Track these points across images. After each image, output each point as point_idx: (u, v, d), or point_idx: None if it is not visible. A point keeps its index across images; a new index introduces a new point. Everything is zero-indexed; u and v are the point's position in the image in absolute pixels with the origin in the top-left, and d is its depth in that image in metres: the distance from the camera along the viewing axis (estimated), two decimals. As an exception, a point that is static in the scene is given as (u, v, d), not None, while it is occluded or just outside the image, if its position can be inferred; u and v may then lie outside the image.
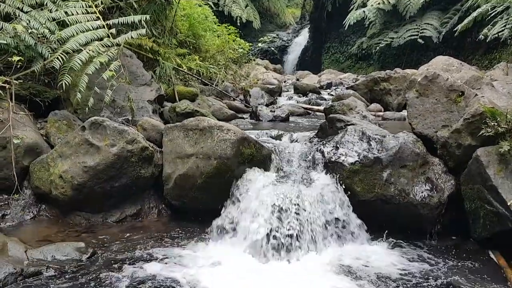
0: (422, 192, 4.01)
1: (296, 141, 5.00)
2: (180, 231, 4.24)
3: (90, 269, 3.42)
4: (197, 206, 4.34)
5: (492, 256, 3.76)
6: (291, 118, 7.41)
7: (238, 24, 12.85)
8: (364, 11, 16.26)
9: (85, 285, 3.17)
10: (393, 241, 3.99)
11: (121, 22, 5.33)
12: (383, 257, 3.73)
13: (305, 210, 3.83)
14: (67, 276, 3.29)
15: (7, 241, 3.54)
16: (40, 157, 4.47)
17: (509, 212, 3.45)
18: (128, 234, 4.13)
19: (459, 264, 3.66)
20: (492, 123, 3.71)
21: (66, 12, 5.11)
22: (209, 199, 4.22)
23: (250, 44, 11.52)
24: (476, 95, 4.07)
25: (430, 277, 3.39)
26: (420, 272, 3.49)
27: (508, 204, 3.44)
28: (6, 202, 4.35)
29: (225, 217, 4.01)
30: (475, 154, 3.76)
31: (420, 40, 14.28)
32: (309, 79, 14.55)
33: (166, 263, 3.55)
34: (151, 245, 3.90)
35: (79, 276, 3.30)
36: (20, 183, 4.39)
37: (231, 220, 3.97)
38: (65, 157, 4.30)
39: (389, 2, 15.30)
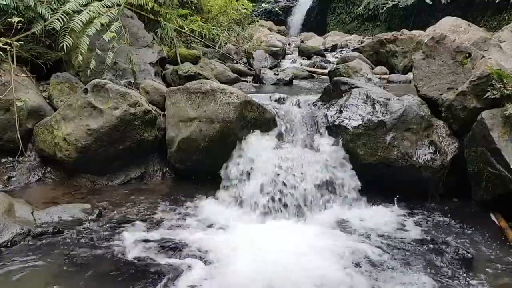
0: (425, 155, 4.01)
1: (300, 104, 4.96)
2: (184, 194, 4.28)
3: (96, 230, 3.48)
4: (201, 169, 4.37)
5: (493, 218, 3.79)
6: (295, 82, 7.33)
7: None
8: (371, -30, 15.81)
9: (91, 245, 3.24)
10: (395, 203, 4.02)
11: (121, -18, 5.21)
12: (384, 219, 3.77)
13: (306, 173, 3.85)
14: (73, 237, 3.36)
15: (14, 203, 3.60)
16: (44, 120, 4.48)
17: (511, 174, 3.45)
18: (133, 196, 4.18)
19: (461, 225, 3.70)
20: (498, 85, 3.65)
21: (65, -29, 4.99)
22: (213, 162, 4.23)
23: (254, 4, 11.26)
24: (483, 56, 4.00)
25: (431, 238, 3.44)
26: (421, 233, 3.54)
27: (511, 166, 3.44)
28: (12, 165, 4.40)
29: (229, 179, 4.04)
30: (480, 116, 3.72)
31: (428, 1, 13.91)
32: (314, 41, 14.29)
33: (170, 224, 3.61)
34: (156, 207, 3.96)
35: (86, 236, 3.37)
36: (24, 145, 4.42)
37: (234, 182, 4.00)
38: (69, 119, 4.30)
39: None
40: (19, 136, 4.32)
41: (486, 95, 3.73)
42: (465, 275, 2.95)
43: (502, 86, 3.64)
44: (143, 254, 3.13)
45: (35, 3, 4.64)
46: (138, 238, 3.35)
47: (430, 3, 13.84)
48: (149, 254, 3.13)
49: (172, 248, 3.22)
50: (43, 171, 4.48)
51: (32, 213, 3.60)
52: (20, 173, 4.38)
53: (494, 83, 3.69)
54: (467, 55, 4.10)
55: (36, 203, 3.86)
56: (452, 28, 7.25)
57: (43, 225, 3.47)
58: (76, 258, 3.06)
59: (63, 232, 3.41)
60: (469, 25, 7.59)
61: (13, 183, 4.28)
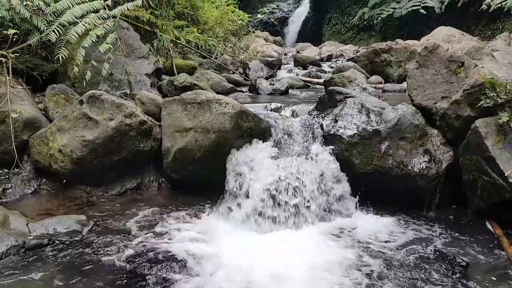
0: (420, 164, 4.02)
1: (295, 114, 4.98)
2: (180, 204, 4.28)
3: (91, 241, 3.47)
4: (197, 179, 4.36)
5: (488, 226, 3.80)
6: (290, 91, 7.37)
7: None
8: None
9: (87, 257, 3.22)
10: (390, 212, 4.03)
11: (117, -7, 5.25)
12: (380, 228, 3.77)
13: (303, 183, 3.86)
14: (68, 248, 3.34)
15: (9, 215, 3.58)
16: (39, 131, 4.48)
17: (506, 183, 3.46)
18: (128, 207, 4.17)
19: (456, 234, 3.70)
20: (491, 94, 3.68)
21: (61, -16, 5.02)
22: (208, 172, 4.24)
23: (250, 15, 11.36)
24: (476, 65, 4.03)
25: (427, 247, 3.44)
26: (417, 242, 3.54)
27: (506, 175, 3.45)
28: (7, 177, 4.38)
29: (224, 189, 4.04)
30: (474, 125, 3.74)
31: (422, 11, 14.06)
32: (310, 51, 14.40)
33: (166, 236, 3.60)
34: (152, 218, 3.95)
35: (81, 248, 3.35)
36: (20, 157, 4.41)
37: (230, 192, 4.00)
38: (64, 131, 4.30)
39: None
40: (14, 147, 4.31)
41: (479, 104, 3.75)
42: (461, 283, 2.95)
43: (495, 94, 3.67)
44: (139, 265, 3.11)
45: (31, 16, 4.66)
46: (133, 249, 3.34)
47: (425, 13, 13.97)
48: (145, 266, 3.11)
49: (168, 259, 3.21)
50: (38, 183, 4.47)
51: (27, 225, 3.58)
52: (15, 185, 4.36)
53: (487, 92, 3.72)
54: (460, 64, 4.13)
55: (31, 215, 3.85)
56: (446, 37, 7.32)
57: (38, 237, 3.45)
58: (71, 270, 3.04)
59: (58, 244, 3.39)
60: (462, 34, 7.66)
61: (8, 195, 4.26)
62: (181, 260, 3.19)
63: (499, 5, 10.06)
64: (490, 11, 10.57)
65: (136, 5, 5.29)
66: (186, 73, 6.56)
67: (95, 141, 4.20)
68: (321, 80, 8.06)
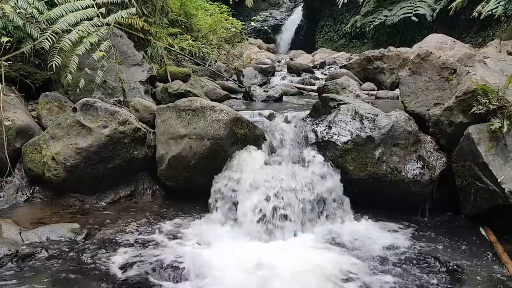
0: (414, 170, 4.04)
1: (289, 121, 4.99)
2: (174, 212, 4.26)
3: (84, 250, 3.44)
4: (191, 187, 4.35)
5: (482, 232, 3.82)
6: (284, 98, 7.38)
7: (230, 2, 12.61)
8: (357, -12, 16.09)
9: (80, 266, 3.19)
10: (384, 218, 4.04)
11: (110, 1, 5.24)
12: (374, 234, 3.78)
13: (297, 190, 3.86)
14: (62, 257, 3.32)
15: (1, 223, 3.56)
16: (32, 139, 4.45)
17: (499, 188, 3.49)
18: (122, 215, 4.14)
19: (450, 239, 3.72)
20: (484, 101, 3.72)
21: (54, -9, 5.02)
22: (203, 180, 4.23)
23: (243, 23, 11.37)
24: (468, 72, 4.06)
25: (421, 252, 3.46)
26: (410, 247, 3.55)
27: (499, 180, 3.48)
28: (0, 185, 4.35)
29: (219, 197, 4.03)
30: (467, 131, 3.77)
31: (414, 18, 14.17)
32: (303, 58, 14.44)
33: (160, 244, 3.58)
34: (146, 226, 3.93)
35: (74, 257, 3.32)
36: (12, 165, 4.38)
37: (225, 200, 3.99)
38: (57, 138, 4.28)
39: (383, -21, 15.15)
40: (7, 155, 4.29)
41: (472, 110, 3.79)
42: (455, 289, 2.96)
43: (488, 101, 3.71)
44: (133, 274, 3.10)
45: (24, 23, 4.65)
46: (127, 258, 3.32)
47: (416, 20, 14.09)
48: (138, 275, 3.09)
49: (162, 268, 3.19)
50: (31, 191, 4.43)
51: (20, 233, 3.55)
52: (8, 193, 4.32)
53: (479, 99, 3.75)
54: (452, 71, 4.17)
55: (24, 223, 3.81)
56: (437, 44, 7.36)
57: (31, 246, 3.41)
58: (64, 279, 3.02)
59: (51, 253, 3.36)
60: (454, 41, 7.71)
61: (0, 203, 4.22)
62: (175, 268, 3.18)
63: (490, 12, 10.15)
64: (481, 18, 10.66)
65: (130, 13, 5.30)
66: (180, 80, 6.55)
67: (88, 148, 4.18)
68: (315, 87, 8.08)
